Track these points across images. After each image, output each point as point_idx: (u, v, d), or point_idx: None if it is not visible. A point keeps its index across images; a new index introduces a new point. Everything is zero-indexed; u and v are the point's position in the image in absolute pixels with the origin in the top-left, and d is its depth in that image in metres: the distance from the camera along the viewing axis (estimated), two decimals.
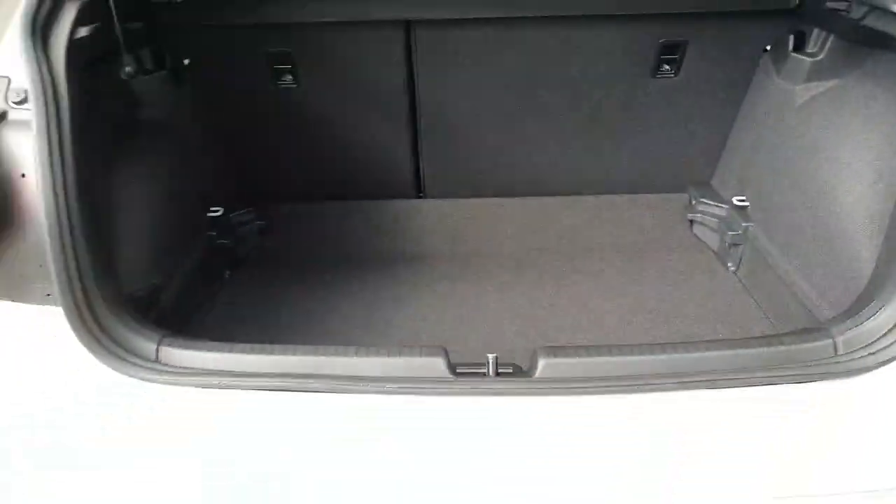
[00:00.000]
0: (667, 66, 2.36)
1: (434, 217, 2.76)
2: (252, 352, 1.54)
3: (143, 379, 1.47)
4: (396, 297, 2.40)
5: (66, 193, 1.47)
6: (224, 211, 2.55)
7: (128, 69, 1.89)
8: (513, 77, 2.42)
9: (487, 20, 2.26)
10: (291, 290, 2.45)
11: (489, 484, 1.39)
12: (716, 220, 2.58)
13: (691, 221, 2.69)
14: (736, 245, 2.46)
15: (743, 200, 2.46)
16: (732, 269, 2.49)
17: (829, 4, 1.91)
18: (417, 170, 2.72)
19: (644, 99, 2.45)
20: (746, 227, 2.39)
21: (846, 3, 1.84)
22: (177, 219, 2.24)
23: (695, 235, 2.69)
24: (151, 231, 2.07)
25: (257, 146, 2.61)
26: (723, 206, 2.56)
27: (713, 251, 2.62)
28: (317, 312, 2.33)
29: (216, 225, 2.52)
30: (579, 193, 2.75)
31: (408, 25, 2.27)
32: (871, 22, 1.73)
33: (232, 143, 2.56)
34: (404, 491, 1.38)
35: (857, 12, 1.78)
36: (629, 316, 2.28)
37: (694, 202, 2.65)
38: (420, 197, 2.80)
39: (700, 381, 1.45)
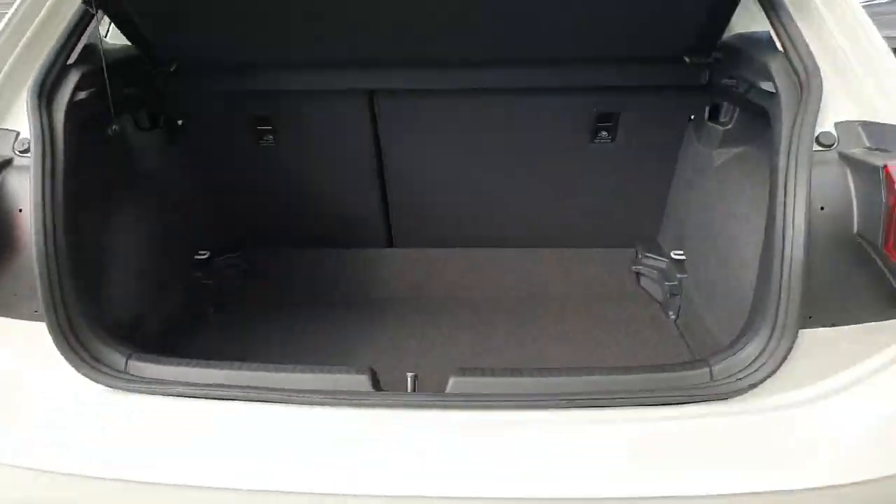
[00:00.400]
0: (604, 133, 2.63)
1: (402, 265, 3.02)
2: (206, 367, 1.78)
3: (109, 387, 1.72)
4: (361, 336, 2.64)
5: (54, 228, 1.75)
6: (210, 255, 2.84)
7: (114, 127, 2.18)
8: (468, 141, 2.69)
9: (441, 91, 2.55)
10: (267, 327, 2.71)
11: (394, 485, 1.59)
12: (657, 272, 2.81)
13: (637, 274, 2.92)
14: (674, 295, 2.68)
15: (680, 254, 2.68)
16: (673, 317, 2.70)
17: (724, 81, 2.19)
18: (388, 222, 2.98)
19: (586, 162, 2.71)
20: (681, 279, 2.62)
21: (735, 81, 2.11)
22: (162, 259, 2.51)
23: (642, 287, 2.92)
24: (137, 268, 2.34)
25: (242, 197, 2.90)
26: (663, 259, 2.79)
27: (658, 302, 2.83)
28: (287, 347, 2.57)
29: (202, 267, 2.80)
30: (535, 246, 2.99)
31: (371, 94, 2.57)
32: (752, 97, 1.99)
33: (219, 194, 2.85)
34: (315, 487, 1.59)
35: (741, 88, 2.05)
36: (568, 357, 2.49)
37: (640, 256, 2.89)
38: (391, 247, 3.06)
39: (587, 400, 1.66)
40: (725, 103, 2.35)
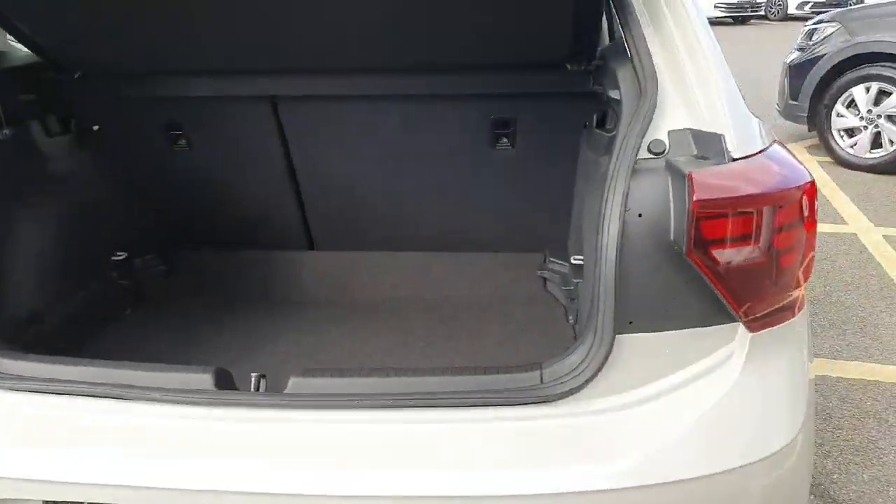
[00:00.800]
0: (504, 140, 2.67)
1: (320, 268, 3.08)
2: (59, 363, 1.85)
3: None
4: (267, 338, 2.70)
5: None
6: (128, 255, 2.91)
7: (5, 132, 2.26)
8: (373, 147, 2.74)
9: (342, 97, 2.60)
10: (179, 328, 2.78)
11: (218, 480, 1.65)
12: (559, 276, 2.84)
13: (544, 279, 2.95)
14: (573, 300, 2.70)
15: (580, 259, 2.71)
16: (572, 321, 2.73)
17: (594, 88, 2.22)
18: (306, 225, 3.04)
19: (490, 168, 2.75)
20: (577, 283, 2.64)
21: (602, 88, 2.14)
22: (70, 258, 2.59)
23: (548, 291, 2.95)
24: (37, 266, 2.42)
25: (161, 200, 2.97)
26: (566, 264, 2.82)
27: (564, 306, 2.86)
28: (192, 347, 2.64)
29: (118, 267, 2.87)
30: (449, 250, 3.04)
31: (274, 100, 2.63)
32: (611, 104, 2.02)
33: (137, 196, 2.93)
34: (143, 482, 1.65)
35: (605, 95, 2.09)
36: (460, 359, 2.53)
37: (546, 261, 2.92)
38: (312, 249, 3.12)
39: (413, 400, 1.70)
40: (609, 110, 2.38)
